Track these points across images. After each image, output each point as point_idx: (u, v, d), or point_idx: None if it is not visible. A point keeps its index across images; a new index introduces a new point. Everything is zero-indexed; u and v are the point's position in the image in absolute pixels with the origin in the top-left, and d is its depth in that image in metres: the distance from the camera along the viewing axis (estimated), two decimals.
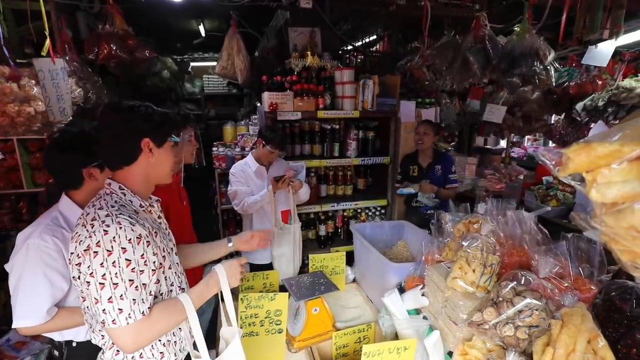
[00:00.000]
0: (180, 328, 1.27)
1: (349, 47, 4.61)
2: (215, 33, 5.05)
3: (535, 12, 2.74)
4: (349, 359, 1.59)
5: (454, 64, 2.72)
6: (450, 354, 1.36)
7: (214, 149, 3.54)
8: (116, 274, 1.01)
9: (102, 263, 1.01)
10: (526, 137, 7.00)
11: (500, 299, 1.18)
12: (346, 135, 3.44)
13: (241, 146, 3.54)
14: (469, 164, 4.46)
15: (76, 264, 1.05)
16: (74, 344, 1.48)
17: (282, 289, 1.83)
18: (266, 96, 2.96)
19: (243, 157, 2.92)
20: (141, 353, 1.17)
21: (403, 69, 3.49)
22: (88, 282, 1.02)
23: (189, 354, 1.30)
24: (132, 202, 1.16)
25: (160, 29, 4.77)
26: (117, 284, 1.01)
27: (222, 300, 1.31)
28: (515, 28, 2.68)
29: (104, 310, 1.01)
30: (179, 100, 7.72)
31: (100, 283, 1.01)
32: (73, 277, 1.09)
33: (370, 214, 3.58)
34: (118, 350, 1.15)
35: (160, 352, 1.21)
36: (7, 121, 2.13)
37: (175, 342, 1.26)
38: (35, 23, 2.33)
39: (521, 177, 4.42)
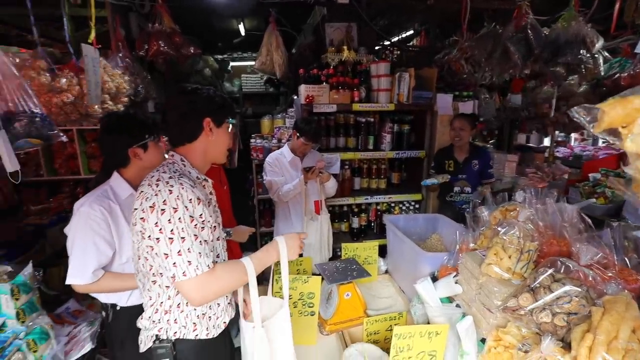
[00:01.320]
0: (218, 303, 1.32)
1: (386, 43, 4.59)
2: (254, 32, 5.20)
3: (583, 2, 2.59)
4: (379, 345, 1.59)
5: (494, 54, 2.63)
6: (483, 341, 1.34)
7: (252, 140, 3.66)
8: (182, 228, 1.11)
9: (170, 219, 1.10)
10: (572, 136, 6.60)
11: (537, 285, 1.15)
12: (381, 128, 3.44)
13: (277, 138, 3.63)
14: (509, 161, 4.29)
15: (140, 218, 1.15)
16: (118, 308, 1.63)
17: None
18: (303, 89, 3.03)
19: (279, 148, 3.01)
20: (176, 319, 1.24)
21: (440, 62, 3.43)
22: (157, 239, 1.11)
23: (222, 332, 1.35)
24: (190, 173, 1.27)
25: (203, 28, 4.98)
26: (184, 237, 1.11)
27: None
28: (559, 23, 2.54)
29: (174, 263, 1.10)
30: None
31: (169, 238, 1.10)
32: (134, 232, 1.20)
33: (404, 208, 3.55)
34: (157, 309, 1.24)
35: (194, 323, 1.26)
36: (45, 111, 2.28)
37: (210, 317, 1.29)
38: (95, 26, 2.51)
39: (565, 176, 4.21)
